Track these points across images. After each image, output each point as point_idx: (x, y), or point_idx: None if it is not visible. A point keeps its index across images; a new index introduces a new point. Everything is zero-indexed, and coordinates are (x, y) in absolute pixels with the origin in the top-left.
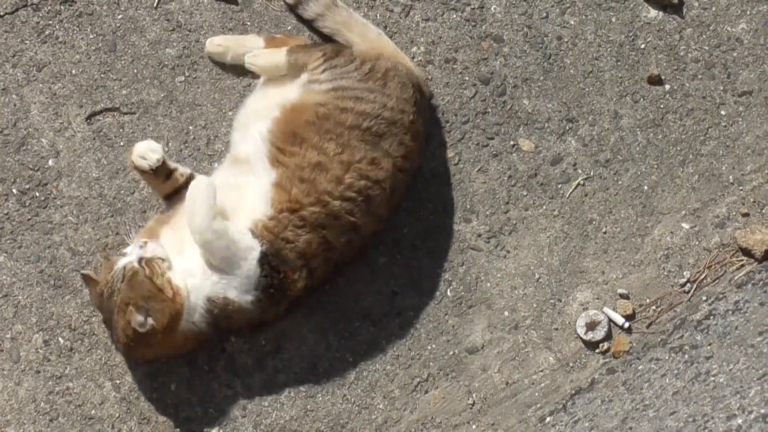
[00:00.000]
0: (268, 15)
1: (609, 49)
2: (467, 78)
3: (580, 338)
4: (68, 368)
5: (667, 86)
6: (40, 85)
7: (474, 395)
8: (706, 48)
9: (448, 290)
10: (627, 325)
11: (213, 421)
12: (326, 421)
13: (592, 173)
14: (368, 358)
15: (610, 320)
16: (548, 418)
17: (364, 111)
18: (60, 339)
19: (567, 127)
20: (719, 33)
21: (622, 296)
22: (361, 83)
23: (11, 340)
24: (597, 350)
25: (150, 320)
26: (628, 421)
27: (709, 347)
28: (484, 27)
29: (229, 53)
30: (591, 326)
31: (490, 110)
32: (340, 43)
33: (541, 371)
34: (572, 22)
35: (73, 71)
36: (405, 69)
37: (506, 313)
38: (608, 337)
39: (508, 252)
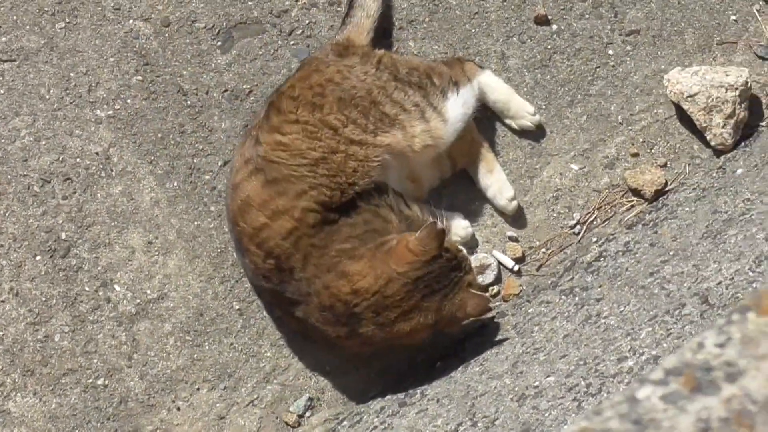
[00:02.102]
0: None
1: None
2: None
3: None
4: None
5: (554, 26)
6: None
7: None
8: None
9: None
10: (517, 268)
11: (98, 372)
12: (213, 370)
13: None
14: (255, 306)
15: (500, 263)
16: (438, 363)
17: None
18: None
19: None
20: None
21: (511, 239)
22: None
23: None
24: (486, 294)
25: None
26: (518, 365)
27: (599, 289)
28: None
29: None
30: (480, 270)
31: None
32: None
33: None
34: None
35: None
36: None
37: None
38: (498, 280)
39: None
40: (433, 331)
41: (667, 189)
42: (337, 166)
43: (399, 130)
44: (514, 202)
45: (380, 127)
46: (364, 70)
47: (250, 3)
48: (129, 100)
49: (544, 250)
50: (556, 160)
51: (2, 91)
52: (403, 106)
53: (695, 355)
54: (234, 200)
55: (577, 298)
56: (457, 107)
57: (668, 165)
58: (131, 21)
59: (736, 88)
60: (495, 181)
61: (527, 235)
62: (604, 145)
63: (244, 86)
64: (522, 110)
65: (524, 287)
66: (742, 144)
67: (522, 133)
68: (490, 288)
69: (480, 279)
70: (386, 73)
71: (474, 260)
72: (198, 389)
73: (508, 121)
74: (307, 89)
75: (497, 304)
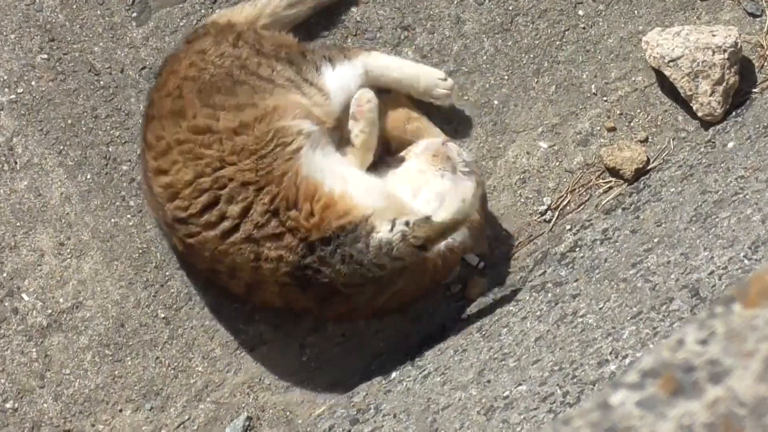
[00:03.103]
0: None
1: None
2: None
3: None
4: None
5: None
6: None
7: (308, 351)
8: None
9: None
10: (482, 265)
11: (6, 394)
12: (137, 388)
13: None
14: (184, 314)
15: (462, 259)
16: (394, 374)
17: None
18: None
19: (402, 36)
20: None
21: None
22: None
23: None
24: (447, 293)
25: None
26: (485, 373)
27: (575, 284)
28: None
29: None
30: None
31: (311, 20)
32: None
33: (385, 319)
34: None
35: None
36: None
37: None
38: (460, 279)
39: None
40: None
41: (649, 167)
42: (248, 176)
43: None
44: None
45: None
46: (219, 52)
47: None
48: (33, 82)
49: (511, 240)
50: (522, 137)
51: None
52: (274, 81)
53: (674, 354)
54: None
55: (549, 295)
56: (335, 80)
57: (650, 140)
58: None
59: (724, 50)
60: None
61: (491, 224)
62: (576, 119)
63: None
64: (432, 79)
65: (490, 284)
66: (733, 114)
67: (452, 108)
68: (451, 287)
69: None
70: (246, 48)
71: None
72: (120, 410)
73: (427, 99)
74: (165, 98)
75: (460, 303)
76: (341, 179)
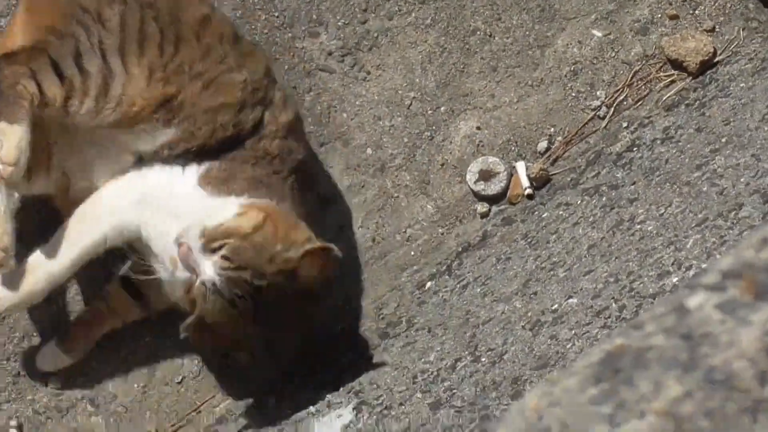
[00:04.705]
0: None
1: None
2: None
3: (468, 185)
4: None
5: None
6: None
7: None
8: None
9: None
10: (529, 192)
11: None
12: None
13: None
14: None
15: (512, 176)
16: (429, 284)
17: None
18: None
19: None
20: None
21: (541, 153)
22: None
23: None
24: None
25: None
26: (531, 284)
27: (633, 187)
28: None
29: None
30: (485, 175)
31: None
32: None
33: (418, 224)
34: None
35: None
36: None
37: (369, 151)
38: (503, 195)
39: (369, 73)
40: None
41: (716, 60)
42: None
43: None
44: None
45: None
46: None
47: None
48: None
49: (560, 138)
50: (574, 24)
51: None
52: None
53: (758, 254)
54: None
55: (604, 199)
56: None
57: (717, 29)
58: None
59: None
60: None
61: (538, 120)
62: (634, 4)
63: None
64: None
65: (536, 185)
66: None
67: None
68: (491, 203)
69: (480, 187)
70: None
71: (479, 163)
72: None
73: None
74: None
75: (502, 207)
76: None
